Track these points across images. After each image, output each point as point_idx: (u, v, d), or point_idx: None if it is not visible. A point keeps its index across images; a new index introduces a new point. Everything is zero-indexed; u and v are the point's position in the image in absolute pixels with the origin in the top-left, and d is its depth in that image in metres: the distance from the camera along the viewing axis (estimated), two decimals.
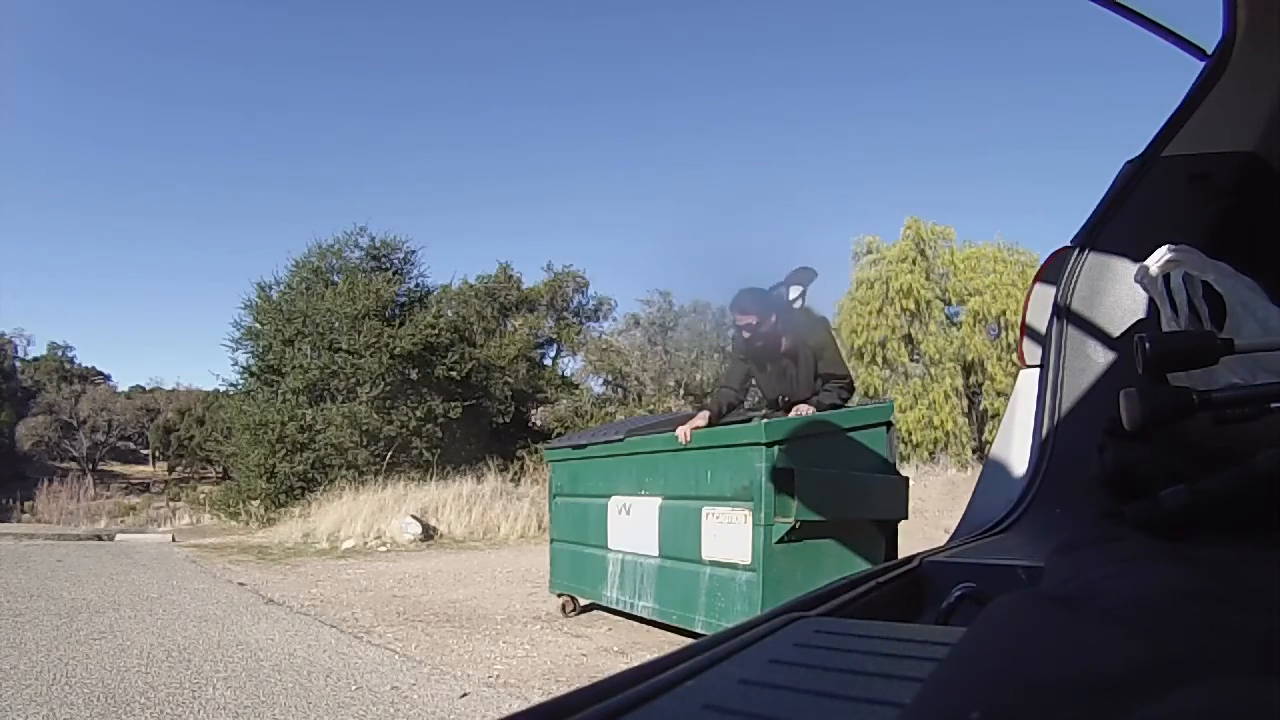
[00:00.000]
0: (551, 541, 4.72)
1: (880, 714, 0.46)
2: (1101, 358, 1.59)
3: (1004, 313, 17.76)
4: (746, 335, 3.59)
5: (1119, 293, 1.60)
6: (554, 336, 18.94)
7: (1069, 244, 1.71)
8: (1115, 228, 1.64)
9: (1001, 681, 0.36)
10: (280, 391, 13.78)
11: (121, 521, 17.01)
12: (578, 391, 17.74)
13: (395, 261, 15.62)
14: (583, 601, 4.50)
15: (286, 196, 45.80)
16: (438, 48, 43.60)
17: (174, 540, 10.14)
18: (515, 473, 13.61)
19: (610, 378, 18.39)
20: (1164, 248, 1.39)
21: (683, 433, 3.54)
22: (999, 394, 17.61)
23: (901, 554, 2.78)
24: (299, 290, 14.74)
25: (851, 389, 3.67)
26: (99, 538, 10.19)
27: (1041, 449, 1.57)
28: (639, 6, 41.71)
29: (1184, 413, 0.76)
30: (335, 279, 14.82)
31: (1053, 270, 1.71)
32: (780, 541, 3.10)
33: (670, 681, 0.51)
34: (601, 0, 40.80)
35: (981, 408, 18.76)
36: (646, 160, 42.51)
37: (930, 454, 17.93)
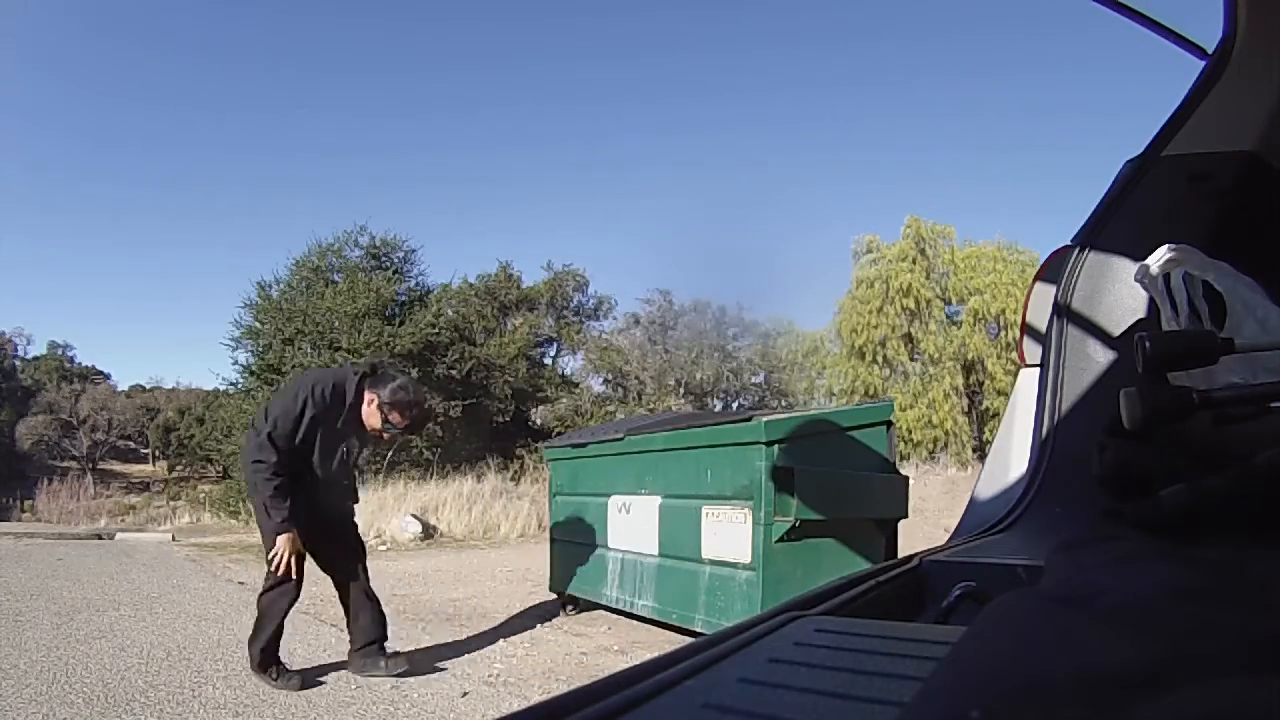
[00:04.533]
0: (551, 540, 4.72)
1: (880, 713, 0.46)
2: (1102, 357, 1.59)
3: (1004, 312, 17.77)
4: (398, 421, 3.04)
5: (1119, 292, 1.60)
6: (554, 335, 18.94)
7: (1069, 243, 1.71)
8: (1115, 227, 1.64)
9: (1001, 680, 0.36)
10: None
11: (121, 520, 17.01)
12: (578, 390, 17.74)
13: (395, 260, 15.63)
14: (582, 600, 4.50)
15: (287, 196, 45.90)
16: (437, 48, 43.67)
17: (174, 539, 10.12)
18: (515, 471, 13.61)
19: (610, 376, 18.40)
20: (1164, 247, 1.38)
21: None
22: (999, 393, 17.62)
23: (901, 553, 2.78)
24: (299, 289, 14.76)
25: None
26: (99, 537, 10.18)
27: (1041, 448, 1.57)
28: (639, 7, 41.71)
29: (1184, 412, 0.76)
30: (335, 278, 14.83)
31: (1053, 269, 1.71)
32: (780, 540, 3.11)
33: (670, 680, 0.51)
34: (602, 0, 40.79)
35: (981, 407, 18.78)
36: (647, 160, 42.54)
37: (930, 453, 17.94)
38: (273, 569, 2.94)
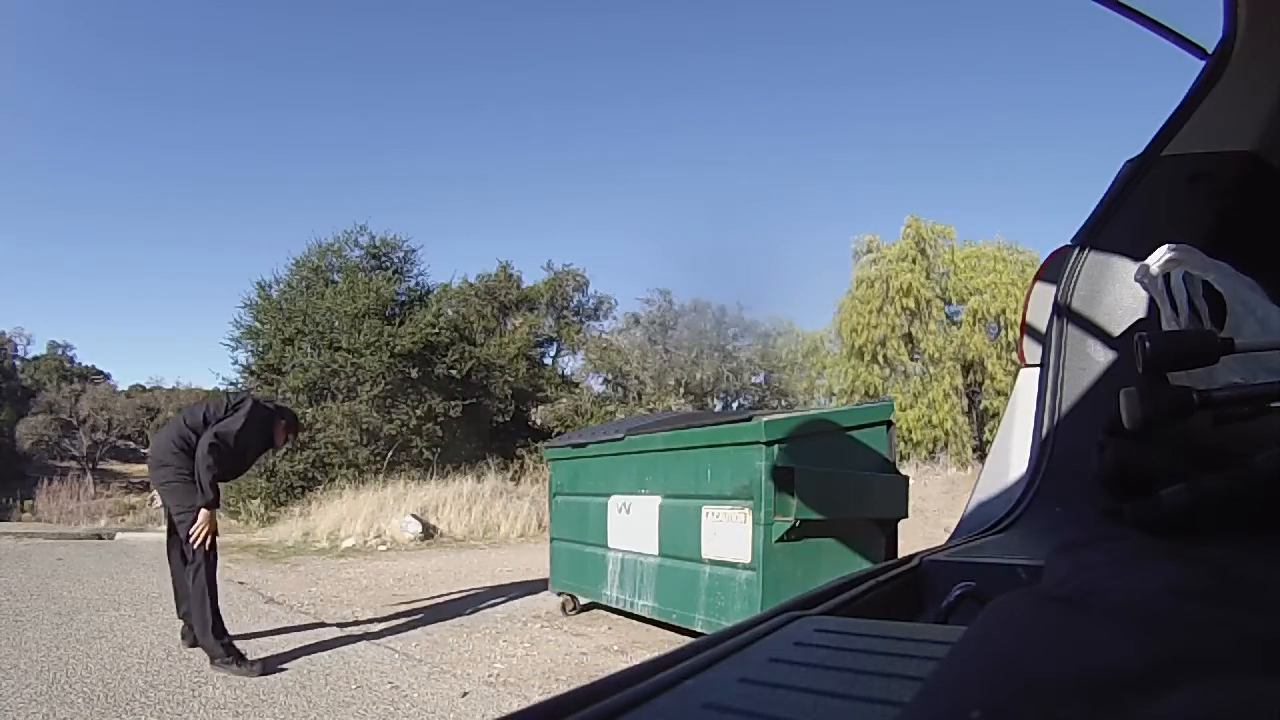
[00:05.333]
0: (551, 540, 4.72)
1: (880, 713, 0.46)
2: (1102, 357, 1.59)
3: (1004, 312, 17.77)
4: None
5: (1119, 292, 1.60)
6: (554, 335, 18.94)
7: (1069, 243, 1.70)
8: (1116, 227, 1.63)
9: (1002, 680, 0.36)
10: (280, 390, 13.77)
11: (122, 520, 16.99)
12: (578, 390, 17.74)
13: (395, 260, 15.61)
14: (582, 600, 4.50)
15: (287, 196, 45.83)
16: (437, 48, 43.56)
17: None
18: (515, 471, 13.61)
19: (610, 376, 18.40)
20: (1164, 247, 1.38)
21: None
22: (999, 393, 17.62)
23: (901, 553, 2.78)
24: (299, 289, 14.74)
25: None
26: (99, 536, 10.18)
27: (1041, 448, 1.57)
28: (639, 6, 41.65)
29: (1184, 412, 0.76)
30: (335, 278, 14.81)
31: (1053, 269, 1.70)
32: (780, 540, 3.11)
33: (669, 680, 0.51)
34: (606, 37, 40.70)
35: (981, 407, 18.77)
36: (647, 160, 42.44)
37: (930, 453, 17.95)
38: (194, 544, 3.48)
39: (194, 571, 3.47)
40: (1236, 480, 0.70)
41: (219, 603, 3.46)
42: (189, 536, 3.49)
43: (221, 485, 3.76)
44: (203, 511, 3.50)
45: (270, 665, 3.30)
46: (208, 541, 3.48)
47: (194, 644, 3.54)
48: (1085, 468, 0.95)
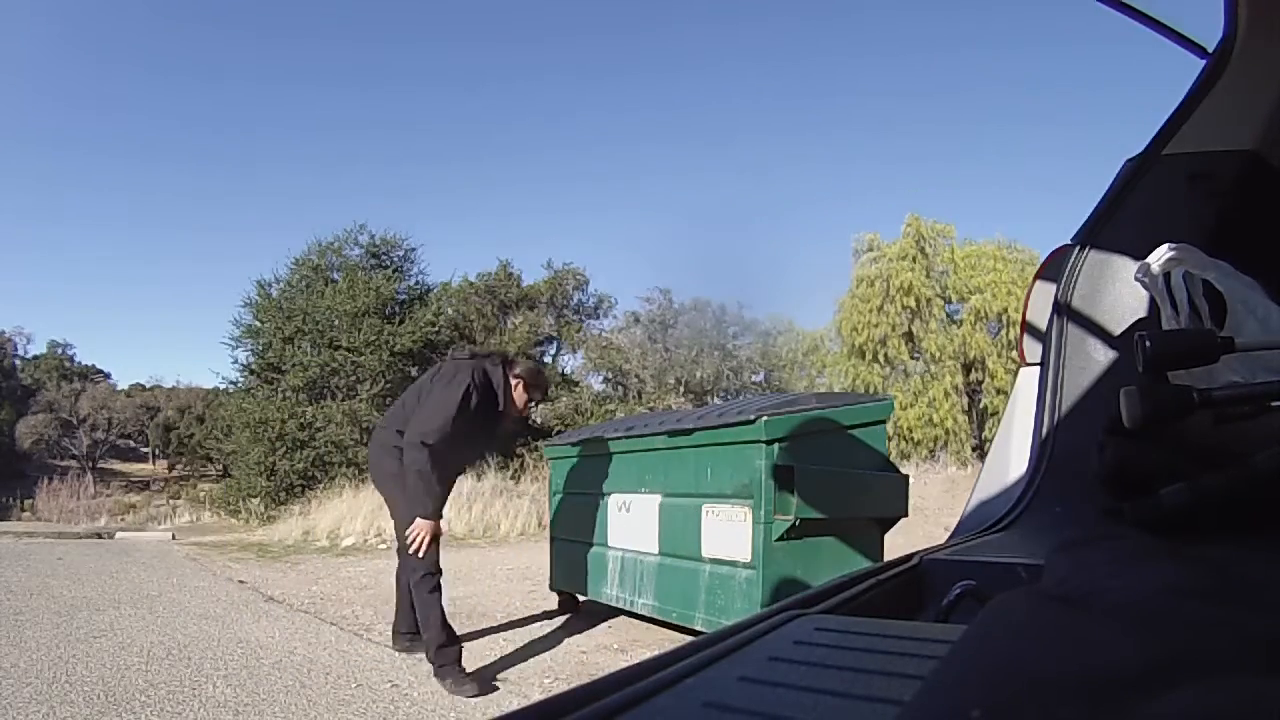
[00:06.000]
0: (551, 539, 4.72)
1: (880, 711, 0.46)
2: (1102, 356, 1.59)
3: (1004, 310, 17.77)
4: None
5: (1119, 291, 1.60)
6: (554, 334, 18.92)
7: (1069, 242, 1.70)
8: (1116, 226, 1.63)
9: (1002, 679, 0.36)
10: (280, 389, 13.81)
11: (121, 519, 17.02)
12: (578, 389, 17.72)
13: (395, 259, 15.65)
14: (582, 599, 4.50)
15: (287, 196, 45.92)
16: (441, 60, 43.83)
17: (174, 538, 10.13)
18: (515, 470, 13.61)
19: (610, 375, 18.39)
20: (1164, 246, 1.38)
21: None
22: (999, 392, 17.62)
23: (901, 552, 2.78)
24: (299, 288, 14.77)
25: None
26: (99, 535, 10.19)
27: (1041, 447, 1.57)
28: (640, 17, 41.78)
29: (1184, 411, 0.76)
30: (335, 277, 14.84)
31: (1053, 268, 1.70)
32: (780, 539, 3.11)
33: (669, 679, 0.51)
34: (605, 11, 40.80)
35: (981, 405, 18.76)
36: (647, 160, 42.54)
37: (930, 452, 17.94)
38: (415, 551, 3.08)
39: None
40: (1236, 480, 0.70)
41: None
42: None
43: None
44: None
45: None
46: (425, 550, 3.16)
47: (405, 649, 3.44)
48: (1085, 467, 0.96)
